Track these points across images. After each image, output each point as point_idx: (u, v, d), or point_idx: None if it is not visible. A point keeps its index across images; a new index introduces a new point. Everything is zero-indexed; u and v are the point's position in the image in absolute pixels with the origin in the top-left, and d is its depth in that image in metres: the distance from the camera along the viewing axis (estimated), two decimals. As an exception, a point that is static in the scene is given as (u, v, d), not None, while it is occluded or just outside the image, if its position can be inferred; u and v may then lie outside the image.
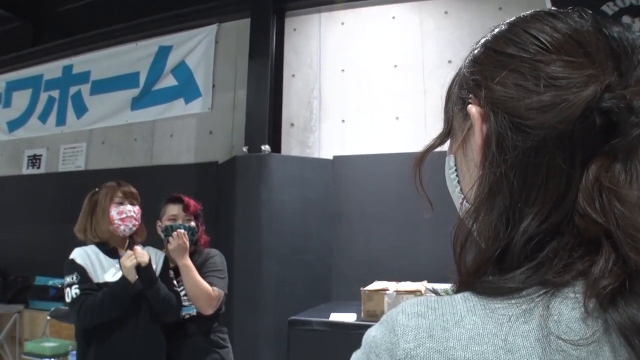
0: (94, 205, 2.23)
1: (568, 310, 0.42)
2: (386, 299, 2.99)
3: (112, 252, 2.22)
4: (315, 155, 4.13)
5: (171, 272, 2.39)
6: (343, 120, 4.15)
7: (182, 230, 2.36)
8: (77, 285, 2.06)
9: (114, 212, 2.19)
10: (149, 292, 2.16)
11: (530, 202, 0.45)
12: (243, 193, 3.73)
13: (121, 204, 2.22)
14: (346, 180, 3.92)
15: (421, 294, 2.96)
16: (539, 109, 0.44)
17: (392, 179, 3.77)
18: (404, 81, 4.01)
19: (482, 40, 0.54)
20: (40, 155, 5.63)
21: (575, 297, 0.42)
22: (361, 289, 3.06)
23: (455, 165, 0.56)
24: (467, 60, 0.54)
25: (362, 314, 3.02)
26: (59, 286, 4.61)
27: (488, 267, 0.47)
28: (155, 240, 2.46)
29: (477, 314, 0.43)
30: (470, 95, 0.52)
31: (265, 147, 3.84)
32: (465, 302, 0.45)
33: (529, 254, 0.45)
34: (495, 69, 0.49)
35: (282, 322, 3.22)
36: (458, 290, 0.49)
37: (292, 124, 4.29)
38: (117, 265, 2.17)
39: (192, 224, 2.46)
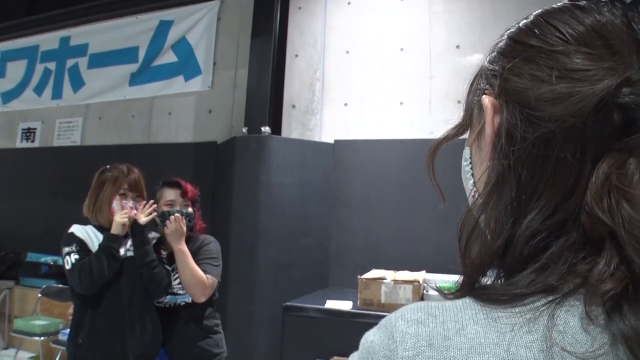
0: (100, 186, 2.23)
1: (574, 320, 0.40)
2: (383, 288, 2.96)
3: (108, 231, 2.22)
4: (316, 139, 4.07)
5: (163, 252, 2.37)
6: (346, 104, 4.08)
7: (180, 215, 2.34)
8: (76, 254, 2.10)
9: (115, 204, 2.20)
10: (137, 252, 2.18)
11: (536, 196, 0.44)
12: (241, 174, 3.68)
13: (125, 196, 2.22)
14: (347, 165, 3.87)
15: (419, 284, 2.93)
16: (550, 100, 0.43)
17: (394, 165, 3.74)
18: (409, 65, 3.92)
19: (507, 32, 0.53)
20: (35, 129, 5.57)
21: (582, 305, 0.41)
22: (358, 276, 3.03)
23: (470, 157, 0.56)
24: (491, 52, 0.54)
25: (358, 302, 2.99)
26: (51, 263, 4.60)
27: (492, 261, 0.46)
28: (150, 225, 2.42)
29: (479, 323, 0.42)
30: (487, 86, 0.51)
31: (266, 129, 3.78)
32: (467, 309, 0.44)
33: (532, 252, 0.44)
34: (513, 59, 0.48)
35: (277, 307, 3.19)
36: (461, 286, 0.48)
37: (294, 106, 4.22)
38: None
39: (190, 210, 2.42)
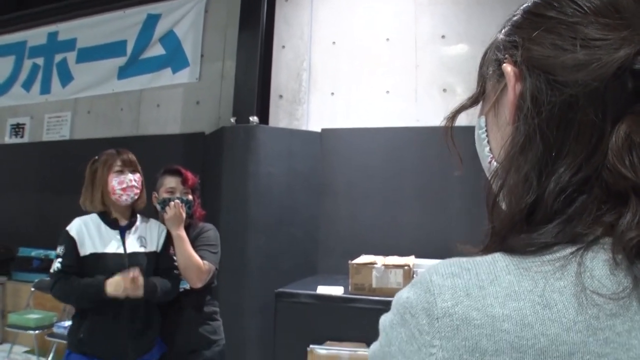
0: (93, 174, 2.21)
1: (600, 266, 0.43)
2: (374, 272, 2.98)
3: (113, 222, 2.21)
4: (304, 128, 4.09)
5: (172, 249, 2.36)
6: (332, 93, 4.11)
7: (179, 202, 2.36)
8: (60, 259, 2.08)
9: (114, 182, 2.17)
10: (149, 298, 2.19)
11: (562, 154, 0.47)
12: (230, 165, 3.69)
13: (121, 172, 2.19)
14: (334, 154, 3.90)
15: (409, 268, 2.95)
16: (573, 66, 0.46)
17: (380, 153, 3.76)
18: (395, 55, 3.96)
19: (522, 7, 0.56)
20: (24, 124, 5.54)
21: (606, 253, 0.44)
22: (349, 262, 3.04)
23: (486, 125, 0.59)
24: (505, 27, 0.57)
25: (349, 287, 3.01)
26: (43, 257, 4.60)
27: (521, 218, 0.48)
28: (150, 212, 2.43)
29: (511, 273, 0.44)
30: (506, 56, 0.54)
31: (253, 119, 3.80)
32: (498, 262, 0.46)
33: (560, 207, 0.46)
34: (533, 30, 0.51)
35: (268, 294, 3.20)
36: (488, 245, 0.50)
37: (281, 96, 4.24)
38: (118, 237, 2.19)
39: (190, 197, 2.44)
